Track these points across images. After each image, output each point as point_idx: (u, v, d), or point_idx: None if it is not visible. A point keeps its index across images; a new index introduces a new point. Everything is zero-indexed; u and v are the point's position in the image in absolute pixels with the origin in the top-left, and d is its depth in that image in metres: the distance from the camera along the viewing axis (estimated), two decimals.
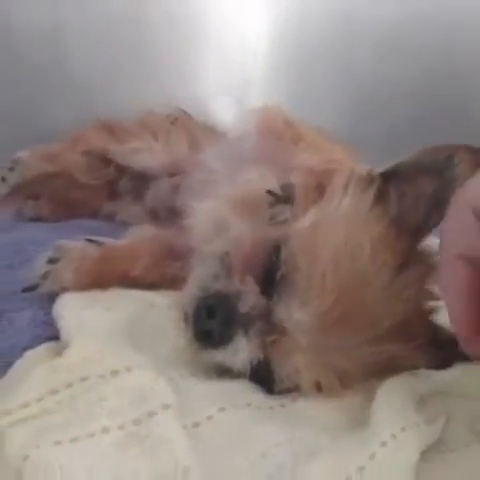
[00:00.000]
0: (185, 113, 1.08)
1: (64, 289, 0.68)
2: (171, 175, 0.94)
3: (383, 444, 0.47)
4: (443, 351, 0.61)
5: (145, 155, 0.98)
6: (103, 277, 0.70)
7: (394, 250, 0.57)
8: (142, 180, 0.99)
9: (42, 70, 1.22)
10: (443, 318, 0.62)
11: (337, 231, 0.57)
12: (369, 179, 0.61)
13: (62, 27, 1.23)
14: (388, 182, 0.61)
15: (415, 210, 0.59)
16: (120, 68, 1.28)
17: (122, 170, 1.01)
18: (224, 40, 1.34)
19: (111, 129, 1.04)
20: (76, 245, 0.72)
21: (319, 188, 0.62)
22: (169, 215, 0.86)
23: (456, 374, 0.60)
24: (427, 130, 1.33)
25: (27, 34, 1.20)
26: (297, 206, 0.62)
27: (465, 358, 0.61)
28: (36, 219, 1.00)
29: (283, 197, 0.64)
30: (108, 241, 0.75)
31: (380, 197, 0.60)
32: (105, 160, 1.01)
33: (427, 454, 0.50)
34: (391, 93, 1.45)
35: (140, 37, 1.28)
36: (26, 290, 0.69)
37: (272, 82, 1.38)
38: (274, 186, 0.67)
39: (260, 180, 0.70)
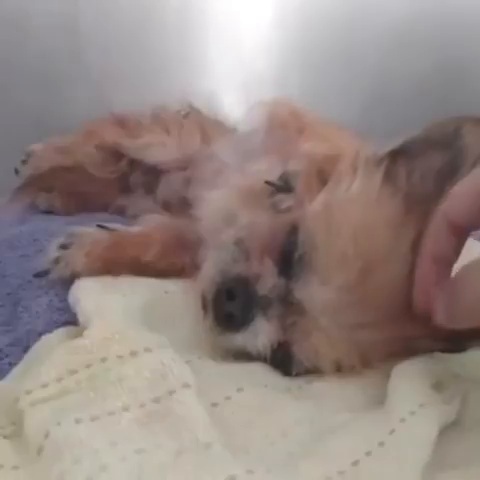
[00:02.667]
0: (196, 108, 1.08)
1: (75, 274, 0.69)
2: (183, 168, 0.95)
3: (402, 420, 0.48)
4: (459, 334, 0.61)
5: (158, 149, 0.98)
6: (114, 262, 0.70)
7: (408, 225, 0.57)
8: (154, 174, 0.99)
9: (58, 63, 1.23)
10: None
11: (351, 211, 0.58)
12: (376, 160, 0.62)
13: (78, 21, 1.24)
14: (397, 160, 0.61)
15: (424, 184, 0.59)
16: (134, 62, 1.29)
17: (134, 164, 1.01)
18: (235, 34, 1.35)
19: (124, 123, 1.04)
20: (88, 231, 0.73)
21: (321, 174, 0.63)
22: (181, 207, 0.86)
23: (471, 357, 0.61)
24: None
25: (44, 26, 1.21)
26: (298, 194, 0.63)
27: None
28: (49, 211, 1.00)
29: (282, 186, 0.65)
30: (120, 228, 0.76)
31: (389, 176, 0.61)
32: (117, 154, 1.01)
33: (444, 433, 0.50)
34: (401, 88, 1.46)
35: (153, 32, 1.29)
36: (38, 275, 0.70)
37: (284, 77, 1.40)
38: (274, 176, 0.67)
39: (267, 170, 0.70)
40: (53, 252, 0.70)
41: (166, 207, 0.94)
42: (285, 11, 1.38)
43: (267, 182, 0.66)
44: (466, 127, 0.57)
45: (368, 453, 0.45)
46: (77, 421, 0.46)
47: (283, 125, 0.76)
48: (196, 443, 0.45)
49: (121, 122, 1.03)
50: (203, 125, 1.01)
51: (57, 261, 0.69)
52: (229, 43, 1.35)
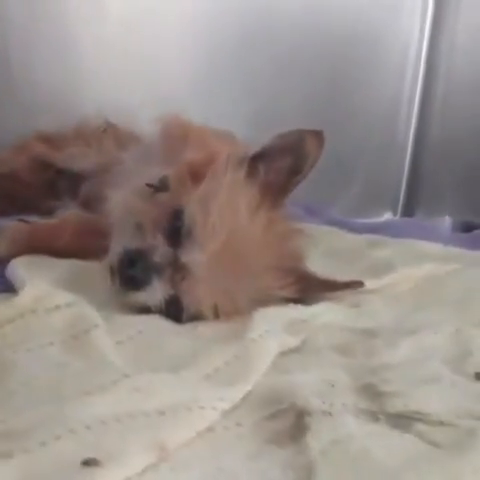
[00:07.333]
0: (113, 124, 1.26)
1: (0, 258, 0.86)
2: (101, 174, 1.11)
3: (253, 340, 0.67)
4: (309, 291, 0.82)
5: (80, 159, 1.14)
6: (33, 247, 0.87)
7: (262, 209, 0.78)
8: (78, 180, 1.14)
9: None
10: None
11: (220, 198, 0.77)
12: (242, 160, 0.81)
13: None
14: (257, 161, 0.81)
15: (276, 179, 0.80)
16: (55, 82, 1.41)
17: (61, 172, 1.16)
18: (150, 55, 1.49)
19: (50, 139, 1.20)
20: (11, 223, 0.91)
21: (195, 174, 0.80)
22: (98, 206, 1.01)
23: (319, 308, 0.81)
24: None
25: None
26: (172, 191, 0.80)
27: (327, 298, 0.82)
28: None
29: (159, 187, 0.82)
30: (38, 220, 0.93)
31: (251, 172, 0.81)
32: (45, 164, 1.16)
33: (289, 354, 0.70)
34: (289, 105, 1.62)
35: (75, 51, 1.41)
36: None
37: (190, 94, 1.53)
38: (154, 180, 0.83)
39: (156, 175, 0.85)
40: None
41: (86, 207, 1.09)
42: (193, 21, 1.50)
43: (147, 184, 0.83)
44: (307, 138, 0.78)
45: (226, 362, 0.64)
46: (14, 352, 0.63)
47: (173, 136, 0.95)
48: (102, 361, 0.62)
49: (47, 138, 1.20)
50: (119, 138, 1.18)
51: None
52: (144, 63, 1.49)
